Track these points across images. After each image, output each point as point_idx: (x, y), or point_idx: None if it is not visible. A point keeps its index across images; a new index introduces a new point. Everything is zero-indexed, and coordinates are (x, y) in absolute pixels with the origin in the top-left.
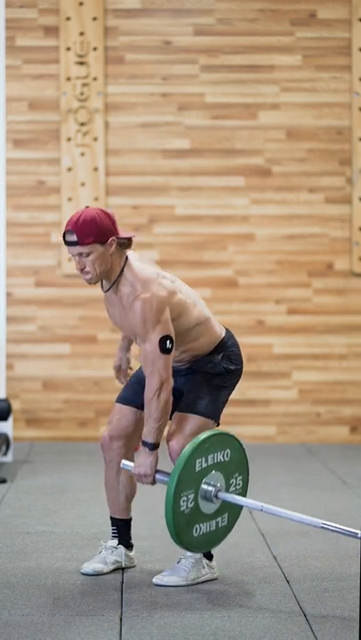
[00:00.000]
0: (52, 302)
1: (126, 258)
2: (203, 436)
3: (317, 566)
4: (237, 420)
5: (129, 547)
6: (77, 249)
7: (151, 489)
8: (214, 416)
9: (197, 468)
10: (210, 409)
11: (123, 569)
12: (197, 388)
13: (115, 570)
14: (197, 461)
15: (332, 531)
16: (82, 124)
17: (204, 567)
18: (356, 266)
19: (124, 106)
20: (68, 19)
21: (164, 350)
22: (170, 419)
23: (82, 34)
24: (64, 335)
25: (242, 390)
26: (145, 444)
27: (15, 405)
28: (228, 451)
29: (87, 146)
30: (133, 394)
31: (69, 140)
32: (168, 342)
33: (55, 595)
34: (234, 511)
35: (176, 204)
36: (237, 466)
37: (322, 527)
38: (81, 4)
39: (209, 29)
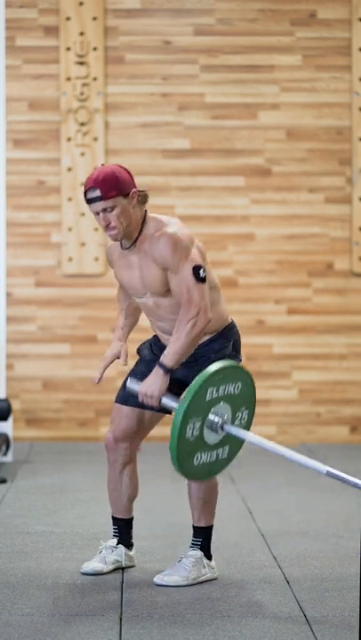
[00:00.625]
0: (52, 302)
1: (145, 212)
2: (217, 366)
3: (317, 566)
4: None
5: (129, 546)
6: (101, 204)
7: (151, 489)
8: None
9: (208, 397)
10: None
11: (123, 568)
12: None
13: (115, 570)
14: (209, 390)
15: (336, 478)
16: (82, 124)
17: (204, 567)
18: (356, 266)
19: (124, 106)
20: (68, 19)
21: (199, 279)
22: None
23: (82, 34)
24: (64, 335)
25: None
26: (161, 364)
27: (15, 405)
28: (239, 384)
29: (87, 146)
30: (131, 397)
31: (69, 140)
32: (202, 271)
33: (55, 595)
34: (235, 444)
35: (176, 204)
36: (245, 400)
37: (327, 474)
38: (81, 3)
39: (209, 29)
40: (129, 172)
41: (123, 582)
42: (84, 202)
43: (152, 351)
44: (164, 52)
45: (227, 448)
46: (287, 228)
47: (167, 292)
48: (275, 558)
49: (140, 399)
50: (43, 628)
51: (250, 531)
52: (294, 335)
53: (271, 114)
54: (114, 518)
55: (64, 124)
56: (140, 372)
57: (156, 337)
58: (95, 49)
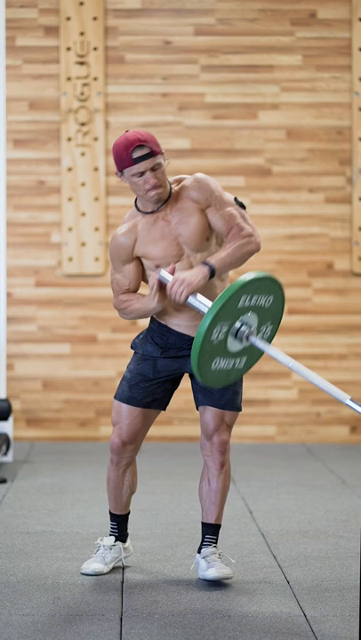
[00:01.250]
0: (52, 302)
1: None
2: (255, 275)
3: (317, 566)
4: (238, 419)
5: (125, 538)
6: (151, 161)
7: (151, 489)
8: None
9: (240, 304)
10: (241, 400)
11: (123, 569)
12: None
13: (115, 569)
14: (243, 297)
15: (356, 410)
16: (82, 124)
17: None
18: (356, 266)
19: (124, 106)
20: (68, 19)
21: (243, 207)
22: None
23: (82, 34)
24: (64, 335)
25: (241, 389)
26: (206, 263)
27: (15, 405)
28: (271, 297)
29: (87, 146)
30: (142, 393)
31: (69, 139)
32: (239, 199)
33: (55, 595)
34: (253, 357)
35: None
36: (273, 315)
37: (349, 403)
38: (81, 3)
39: (209, 29)
40: None
41: (123, 582)
42: (129, 165)
43: (157, 344)
44: (165, 52)
45: (244, 359)
46: (287, 228)
47: (206, 241)
48: (275, 558)
49: (169, 286)
50: (43, 628)
51: (250, 531)
52: (294, 335)
53: (271, 114)
54: (113, 515)
55: (64, 124)
56: (147, 370)
57: (162, 329)
58: (95, 49)
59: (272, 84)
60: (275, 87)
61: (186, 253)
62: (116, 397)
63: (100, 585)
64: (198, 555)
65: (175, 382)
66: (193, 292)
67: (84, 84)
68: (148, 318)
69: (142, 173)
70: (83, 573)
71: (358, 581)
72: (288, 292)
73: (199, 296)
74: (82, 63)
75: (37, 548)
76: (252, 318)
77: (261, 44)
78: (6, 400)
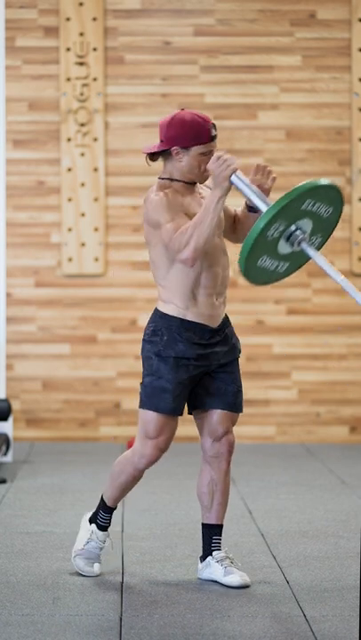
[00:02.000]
0: (52, 302)
1: None
2: (328, 182)
3: (317, 566)
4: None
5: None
6: (216, 143)
7: (150, 489)
8: None
9: (303, 207)
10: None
11: (123, 569)
12: (239, 382)
13: (114, 568)
14: (308, 201)
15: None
16: (82, 125)
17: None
18: (356, 266)
19: (123, 106)
20: (67, 19)
21: None
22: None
23: (82, 34)
24: (64, 335)
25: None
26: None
27: (15, 405)
28: (331, 209)
29: (87, 146)
30: (182, 402)
31: (69, 140)
32: None
33: (55, 595)
34: (295, 264)
35: None
36: (326, 227)
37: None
38: (81, 4)
39: (209, 30)
40: None
41: (122, 582)
42: (204, 142)
43: (188, 340)
44: (164, 53)
45: (287, 264)
46: None
47: (233, 222)
48: (274, 558)
49: (213, 160)
50: (42, 628)
51: (250, 531)
52: (294, 335)
53: (271, 114)
54: (110, 508)
55: (64, 125)
56: (185, 378)
57: (185, 324)
58: (95, 49)
59: (272, 84)
60: (274, 88)
61: (217, 232)
62: (157, 410)
63: (99, 585)
64: (210, 557)
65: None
66: (236, 170)
67: (84, 85)
68: (153, 325)
69: (209, 152)
70: (84, 575)
71: (358, 581)
72: (288, 293)
73: (242, 174)
74: (81, 64)
75: (37, 549)
76: (307, 224)
77: (261, 45)
78: (6, 400)
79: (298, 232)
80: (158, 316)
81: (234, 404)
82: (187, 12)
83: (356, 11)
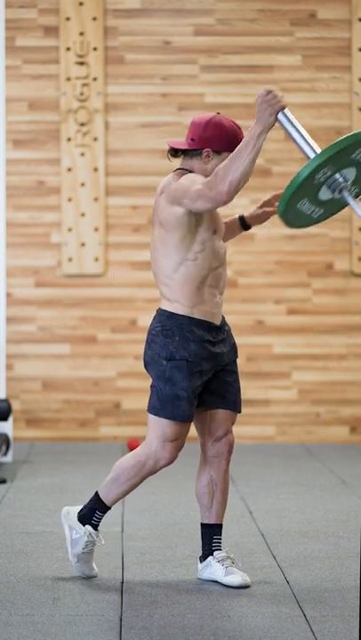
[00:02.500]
0: (52, 302)
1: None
2: None
3: (317, 567)
4: (237, 419)
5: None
6: None
7: (150, 490)
8: None
9: (352, 156)
10: None
11: (123, 569)
12: (239, 382)
13: (114, 568)
14: (358, 150)
15: None
16: (82, 125)
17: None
18: (356, 266)
19: (123, 106)
20: (67, 19)
21: None
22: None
23: (82, 34)
24: (64, 335)
25: (242, 390)
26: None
27: (15, 406)
28: None
29: (87, 146)
30: (195, 406)
31: (69, 140)
32: None
33: (55, 595)
34: (328, 211)
35: None
36: None
37: None
38: (81, 4)
39: (209, 29)
40: None
41: (123, 582)
42: (233, 148)
43: (199, 338)
44: (164, 53)
45: (321, 211)
46: (287, 229)
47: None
48: (274, 558)
49: (263, 94)
50: (42, 629)
51: (250, 531)
52: (294, 335)
53: None
54: (107, 508)
55: (64, 125)
56: (196, 383)
57: (194, 322)
58: (95, 49)
59: (272, 84)
60: (274, 87)
61: (220, 232)
62: (174, 419)
63: (99, 585)
64: (211, 557)
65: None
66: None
67: (84, 85)
68: (160, 325)
69: None
70: (86, 576)
71: (358, 581)
72: (288, 293)
73: (290, 113)
74: (81, 63)
75: (37, 549)
76: (350, 173)
77: (261, 45)
78: (6, 400)
79: (341, 179)
80: (165, 316)
81: (236, 404)
82: (187, 11)
83: (356, 11)
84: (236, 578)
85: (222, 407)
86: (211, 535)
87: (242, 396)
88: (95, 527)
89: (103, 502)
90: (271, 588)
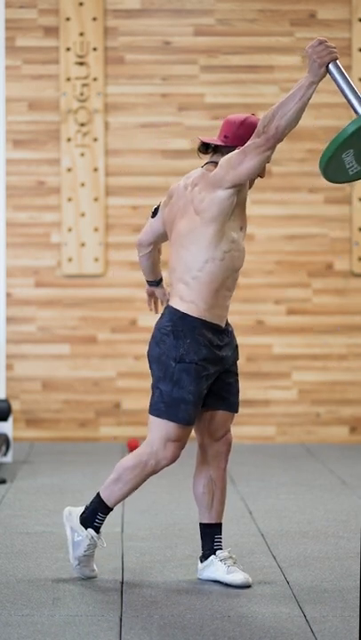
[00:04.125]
0: (52, 303)
1: None
2: None
3: (317, 567)
4: (237, 420)
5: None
6: None
7: (150, 490)
8: None
9: None
10: None
11: (123, 569)
12: (238, 383)
13: (114, 569)
14: None
15: None
16: (82, 125)
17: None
18: (356, 266)
19: (123, 106)
20: (67, 19)
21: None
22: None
23: (82, 34)
24: (64, 335)
25: (241, 391)
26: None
27: (15, 406)
28: None
29: (87, 146)
30: (197, 411)
31: (69, 140)
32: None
33: (55, 595)
34: None
35: None
36: None
37: None
38: (81, 4)
39: (209, 30)
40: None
41: (123, 582)
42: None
43: (219, 344)
44: (164, 53)
45: (358, 169)
46: (287, 229)
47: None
48: (274, 558)
49: (314, 44)
50: (42, 629)
51: (250, 531)
52: (294, 335)
53: None
54: (109, 509)
55: (64, 125)
56: (202, 385)
57: (206, 324)
58: (95, 49)
59: (272, 84)
60: (274, 87)
61: (245, 230)
62: (178, 421)
63: (99, 585)
64: (214, 556)
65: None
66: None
67: (84, 85)
68: (171, 325)
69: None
70: (86, 577)
71: (358, 582)
72: (288, 293)
73: (341, 65)
74: (81, 63)
75: (37, 549)
76: None
77: (261, 45)
78: (6, 400)
79: None
80: (178, 317)
81: (235, 405)
82: (187, 11)
83: (356, 11)
84: (238, 576)
85: (223, 408)
86: (212, 535)
87: (240, 396)
88: (97, 530)
89: (105, 504)
90: (271, 589)
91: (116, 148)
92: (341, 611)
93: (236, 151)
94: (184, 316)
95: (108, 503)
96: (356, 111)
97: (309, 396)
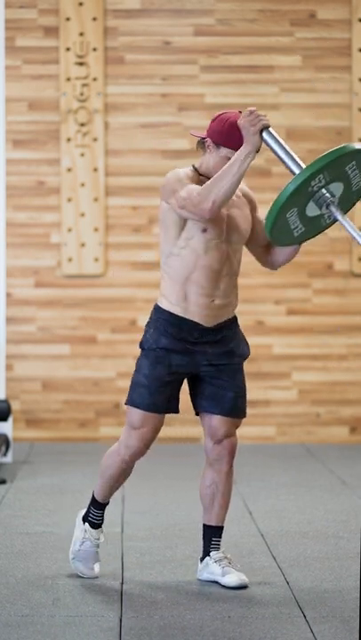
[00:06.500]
0: (52, 303)
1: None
2: None
3: (317, 567)
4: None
5: (102, 524)
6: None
7: (150, 490)
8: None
9: (346, 167)
10: (246, 405)
11: (122, 569)
12: (243, 389)
13: (114, 569)
14: (352, 164)
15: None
16: (82, 125)
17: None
18: (356, 266)
19: (123, 106)
20: (67, 19)
21: None
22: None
23: (82, 34)
24: (64, 336)
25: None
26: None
27: (15, 406)
28: None
29: (87, 146)
30: (162, 398)
31: (69, 140)
32: None
33: (55, 595)
34: (311, 231)
35: None
36: (347, 199)
37: None
38: (81, 4)
39: (209, 30)
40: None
41: (123, 582)
42: (229, 145)
43: (172, 334)
44: (164, 53)
45: (303, 230)
46: None
47: (246, 234)
48: (274, 559)
49: (245, 114)
50: (42, 629)
51: (250, 531)
52: (294, 336)
53: (271, 114)
54: (100, 504)
55: (64, 125)
56: (164, 375)
57: (176, 319)
58: (95, 49)
59: (272, 84)
60: (274, 88)
61: (225, 237)
62: (133, 405)
63: (99, 586)
64: (208, 557)
65: (186, 381)
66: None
67: (84, 85)
68: (148, 317)
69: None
70: (85, 576)
71: (358, 582)
72: (288, 293)
73: (274, 131)
74: (81, 64)
75: (37, 549)
76: (338, 189)
77: (261, 45)
78: (6, 401)
79: (328, 195)
80: (154, 309)
81: (232, 410)
82: (187, 11)
83: (356, 11)
84: (232, 578)
85: (218, 412)
86: (210, 536)
87: (245, 400)
88: (93, 525)
89: (94, 498)
90: (271, 589)
91: (116, 148)
92: (341, 611)
93: (187, 188)
94: (157, 308)
95: (97, 497)
96: (292, 172)
97: (309, 397)
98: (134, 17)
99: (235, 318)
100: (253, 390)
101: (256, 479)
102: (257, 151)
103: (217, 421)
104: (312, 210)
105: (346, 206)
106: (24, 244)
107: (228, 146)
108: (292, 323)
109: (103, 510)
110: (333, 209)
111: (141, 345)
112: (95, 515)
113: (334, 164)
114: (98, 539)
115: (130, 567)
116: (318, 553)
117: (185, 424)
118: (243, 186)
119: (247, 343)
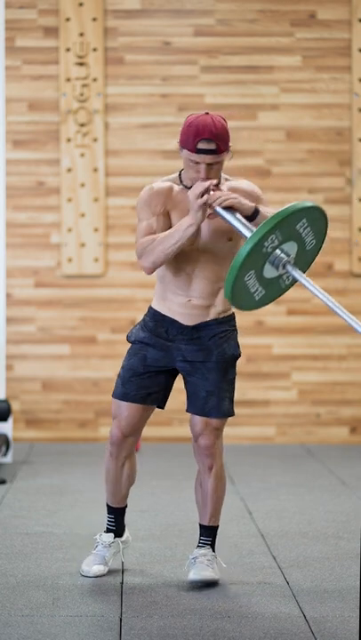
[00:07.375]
0: (52, 303)
1: None
2: (323, 211)
3: (317, 567)
4: (237, 420)
5: (122, 532)
6: (212, 158)
7: (149, 490)
8: (233, 410)
9: (297, 226)
10: (231, 405)
11: (122, 569)
12: (218, 388)
13: (114, 569)
14: (302, 221)
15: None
16: (81, 125)
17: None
18: (356, 266)
19: (123, 107)
20: (67, 19)
21: None
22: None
23: (81, 34)
24: (63, 336)
25: (241, 391)
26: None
27: (15, 406)
28: (314, 241)
29: (87, 146)
30: (135, 388)
31: (69, 140)
32: None
33: (55, 595)
34: (272, 293)
35: None
36: (303, 260)
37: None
38: (81, 4)
39: (209, 30)
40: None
41: (123, 582)
42: (190, 150)
43: (150, 330)
44: (164, 53)
45: (263, 292)
46: None
47: (227, 241)
48: (274, 559)
49: (214, 191)
50: (42, 629)
51: (250, 531)
52: (294, 336)
53: (271, 115)
54: (110, 508)
55: (64, 125)
56: (138, 366)
57: (157, 315)
58: (95, 50)
59: (272, 84)
60: (274, 88)
61: (197, 244)
62: (112, 395)
63: (99, 586)
64: (190, 554)
65: (170, 377)
66: (235, 210)
67: (84, 85)
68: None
69: (196, 164)
70: (84, 575)
71: (358, 582)
72: (287, 293)
73: (240, 216)
74: (81, 64)
75: (37, 549)
76: (292, 249)
77: (261, 45)
78: (6, 401)
79: (283, 255)
80: (148, 308)
81: (203, 409)
82: (187, 12)
83: (356, 11)
84: (190, 573)
85: (192, 411)
86: (199, 536)
87: (240, 397)
88: (106, 529)
89: (106, 502)
90: (271, 589)
91: (116, 148)
92: (341, 611)
93: (140, 231)
94: (149, 306)
95: (107, 501)
96: (244, 236)
97: (309, 397)
98: (134, 17)
99: (225, 320)
100: (253, 390)
101: (256, 479)
102: (202, 221)
103: (193, 420)
104: (270, 271)
105: (303, 267)
106: (24, 245)
107: (185, 147)
108: (292, 323)
109: (114, 515)
110: (290, 268)
111: (127, 336)
112: (109, 519)
113: (285, 223)
114: (109, 544)
115: (130, 567)
116: (318, 553)
117: (183, 423)
118: (244, 186)
119: (237, 345)
